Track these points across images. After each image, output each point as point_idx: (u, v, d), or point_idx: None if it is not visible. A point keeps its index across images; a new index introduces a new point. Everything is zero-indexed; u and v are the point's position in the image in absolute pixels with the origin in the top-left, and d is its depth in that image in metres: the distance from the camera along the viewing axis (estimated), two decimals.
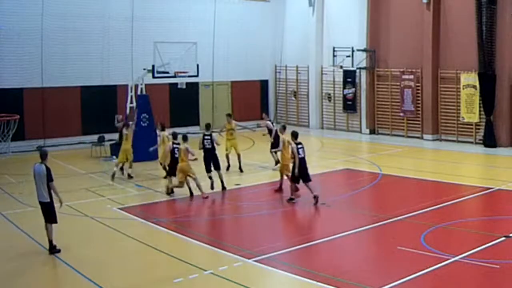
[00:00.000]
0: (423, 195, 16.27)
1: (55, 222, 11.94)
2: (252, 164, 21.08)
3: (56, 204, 12.02)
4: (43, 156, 11.86)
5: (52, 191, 11.80)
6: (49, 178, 11.70)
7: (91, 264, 11.28)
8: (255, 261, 11.13)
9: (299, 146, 15.33)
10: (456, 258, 10.91)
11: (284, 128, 17.21)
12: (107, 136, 24.23)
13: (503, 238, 12.03)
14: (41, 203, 11.91)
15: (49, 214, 11.85)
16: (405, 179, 18.18)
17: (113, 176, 18.35)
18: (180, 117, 28.78)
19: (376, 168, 20.35)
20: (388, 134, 28.04)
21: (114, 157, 22.53)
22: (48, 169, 11.70)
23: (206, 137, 17.44)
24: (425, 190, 16.99)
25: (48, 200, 11.80)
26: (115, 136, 24.81)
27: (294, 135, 15.53)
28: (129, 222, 14.16)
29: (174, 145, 16.62)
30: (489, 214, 14.74)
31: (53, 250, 11.76)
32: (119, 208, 15.29)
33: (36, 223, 13.80)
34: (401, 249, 11.63)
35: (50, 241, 11.78)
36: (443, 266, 10.57)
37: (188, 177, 16.22)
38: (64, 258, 11.43)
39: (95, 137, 24.08)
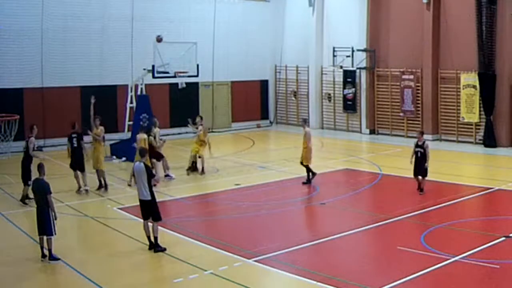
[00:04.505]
0: (423, 195, 16.25)
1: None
2: (252, 164, 21.08)
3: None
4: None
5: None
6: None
7: (91, 264, 11.30)
8: (255, 261, 11.14)
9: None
10: (456, 258, 10.92)
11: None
12: (107, 136, 24.14)
13: (503, 238, 12.04)
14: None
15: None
16: (405, 179, 18.15)
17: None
18: (180, 117, 28.77)
19: (376, 168, 20.36)
20: (388, 134, 28.04)
21: (114, 157, 22.55)
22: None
23: None
24: (425, 190, 16.93)
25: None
26: (115, 136, 24.84)
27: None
28: (129, 222, 14.15)
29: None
30: (489, 214, 14.76)
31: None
32: (119, 208, 15.29)
33: (36, 223, 13.83)
34: (401, 249, 11.64)
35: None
36: (443, 266, 10.58)
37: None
38: (64, 258, 11.42)
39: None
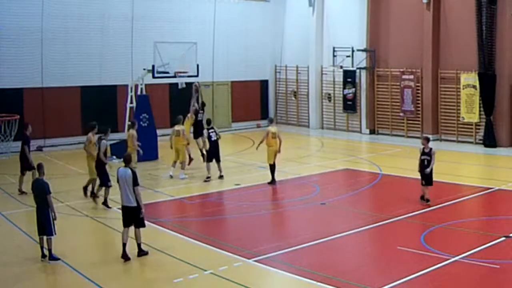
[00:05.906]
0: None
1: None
2: (252, 164, 21.07)
3: None
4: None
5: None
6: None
7: (91, 264, 11.29)
8: (255, 261, 11.14)
9: (211, 131, 18.30)
10: (456, 258, 10.92)
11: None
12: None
13: (503, 238, 12.04)
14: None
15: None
16: (405, 179, 18.17)
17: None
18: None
19: (376, 168, 20.36)
20: (388, 134, 28.03)
21: (114, 157, 22.52)
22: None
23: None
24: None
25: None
26: (115, 136, 24.79)
27: (207, 122, 18.97)
28: None
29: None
30: (489, 214, 14.76)
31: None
32: (119, 208, 15.24)
33: (36, 223, 13.83)
34: (401, 249, 11.64)
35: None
36: (443, 266, 10.58)
37: None
38: (64, 258, 11.42)
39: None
